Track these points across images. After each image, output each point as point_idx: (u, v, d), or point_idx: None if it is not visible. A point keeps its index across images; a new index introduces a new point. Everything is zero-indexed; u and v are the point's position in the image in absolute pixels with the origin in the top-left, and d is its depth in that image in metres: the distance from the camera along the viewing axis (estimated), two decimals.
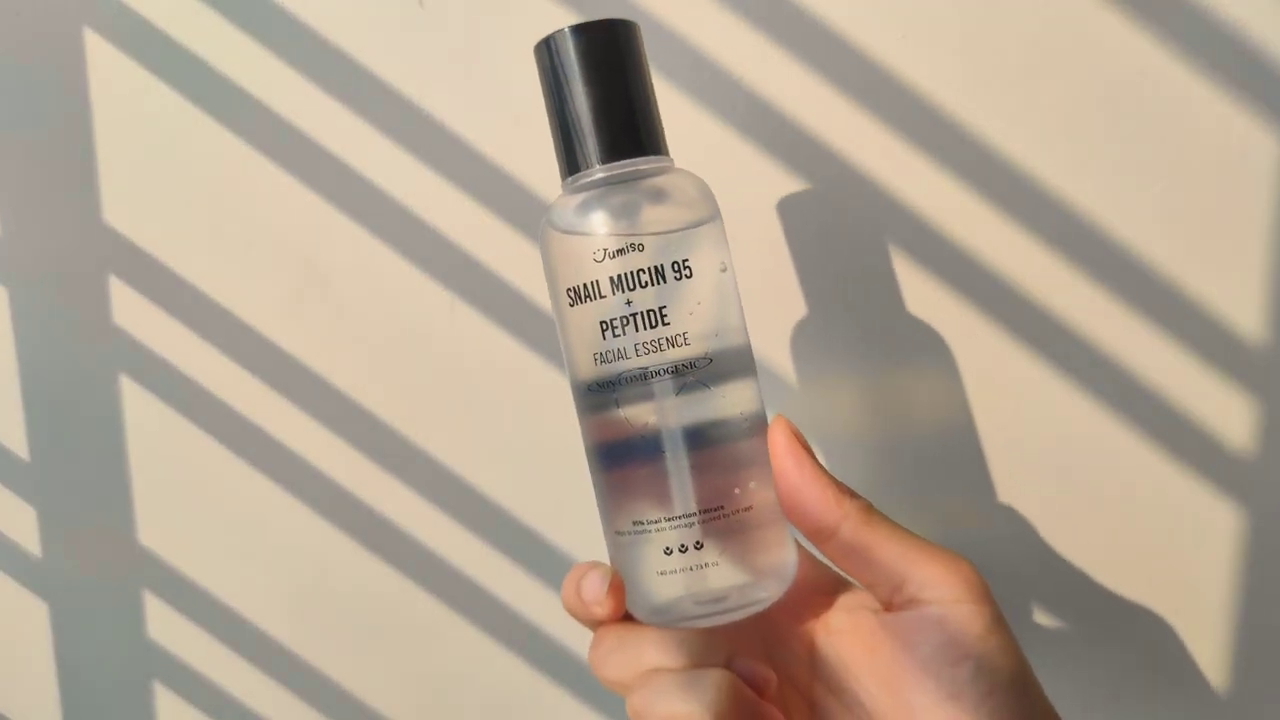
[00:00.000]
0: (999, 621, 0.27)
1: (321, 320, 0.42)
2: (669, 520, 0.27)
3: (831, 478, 0.28)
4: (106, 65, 0.41)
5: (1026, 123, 0.36)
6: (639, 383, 0.27)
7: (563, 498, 0.42)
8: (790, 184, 0.38)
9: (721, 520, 0.27)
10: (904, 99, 0.37)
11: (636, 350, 0.27)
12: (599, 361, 0.28)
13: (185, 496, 0.46)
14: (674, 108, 0.31)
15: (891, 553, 0.27)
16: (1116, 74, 0.36)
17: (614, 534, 0.29)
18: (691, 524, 0.27)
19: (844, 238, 0.38)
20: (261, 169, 0.41)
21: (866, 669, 0.28)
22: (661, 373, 0.27)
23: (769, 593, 0.28)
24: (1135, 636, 0.40)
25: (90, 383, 0.45)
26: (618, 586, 0.28)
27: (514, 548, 0.44)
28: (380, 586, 0.45)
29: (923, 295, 0.38)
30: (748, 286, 0.31)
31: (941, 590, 0.26)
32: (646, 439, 0.28)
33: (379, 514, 0.44)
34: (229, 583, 0.46)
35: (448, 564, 0.44)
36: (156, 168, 0.42)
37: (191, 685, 0.48)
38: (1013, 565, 0.40)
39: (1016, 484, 0.40)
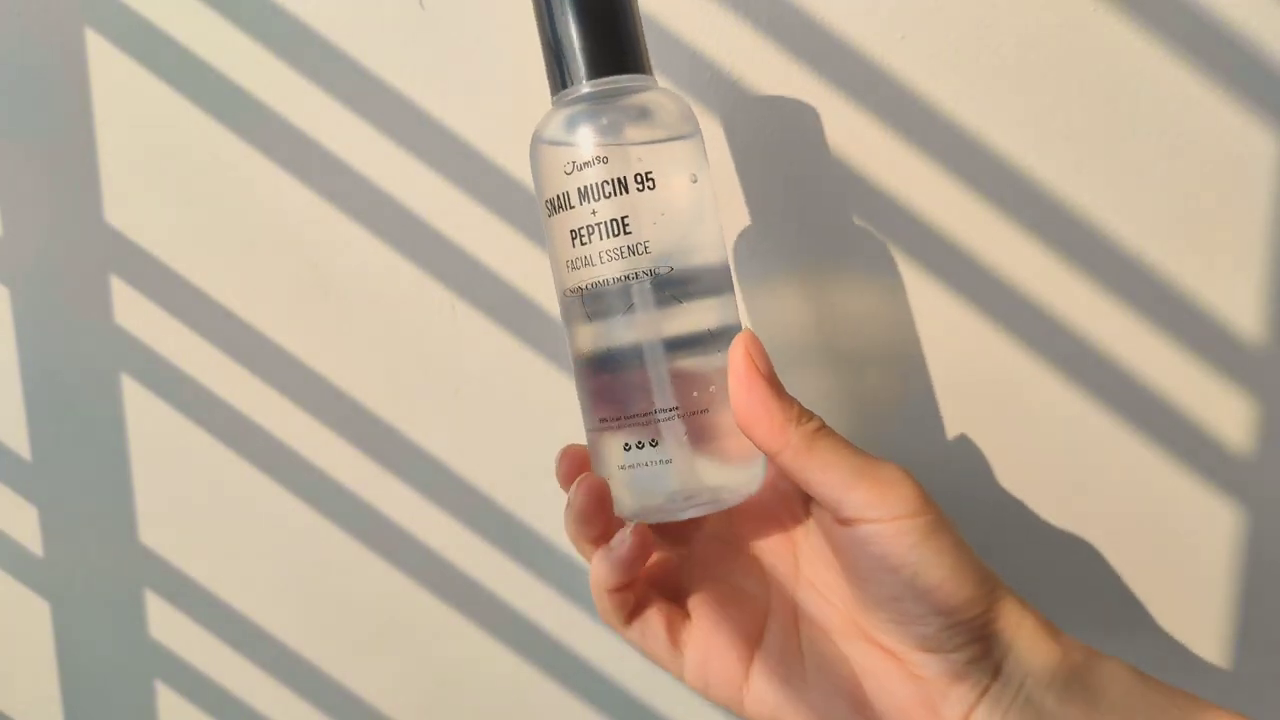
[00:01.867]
0: (933, 528, 0.28)
1: (323, 320, 0.43)
2: (628, 418, 0.29)
3: (782, 401, 0.29)
4: (107, 65, 0.41)
5: (1024, 122, 0.36)
6: (604, 286, 0.29)
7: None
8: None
9: (678, 420, 0.29)
10: (899, 96, 0.37)
11: (601, 258, 0.29)
12: (570, 268, 0.30)
13: (187, 496, 0.46)
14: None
15: (828, 478, 0.28)
16: (1116, 74, 0.36)
17: (588, 431, 0.31)
18: (648, 422, 0.29)
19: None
20: (262, 169, 0.41)
21: (831, 570, 0.32)
22: (625, 278, 0.29)
23: (729, 493, 0.30)
24: (1132, 636, 0.40)
25: (91, 382, 0.45)
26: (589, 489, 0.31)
27: (514, 546, 0.44)
28: (381, 585, 0.45)
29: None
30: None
31: (874, 511, 0.28)
32: (610, 340, 0.29)
33: (380, 513, 0.44)
34: (231, 582, 0.47)
35: (448, 563, 0.44)
36: (157, 167, 0.42)
37: (193, 684, 0.48)
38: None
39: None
